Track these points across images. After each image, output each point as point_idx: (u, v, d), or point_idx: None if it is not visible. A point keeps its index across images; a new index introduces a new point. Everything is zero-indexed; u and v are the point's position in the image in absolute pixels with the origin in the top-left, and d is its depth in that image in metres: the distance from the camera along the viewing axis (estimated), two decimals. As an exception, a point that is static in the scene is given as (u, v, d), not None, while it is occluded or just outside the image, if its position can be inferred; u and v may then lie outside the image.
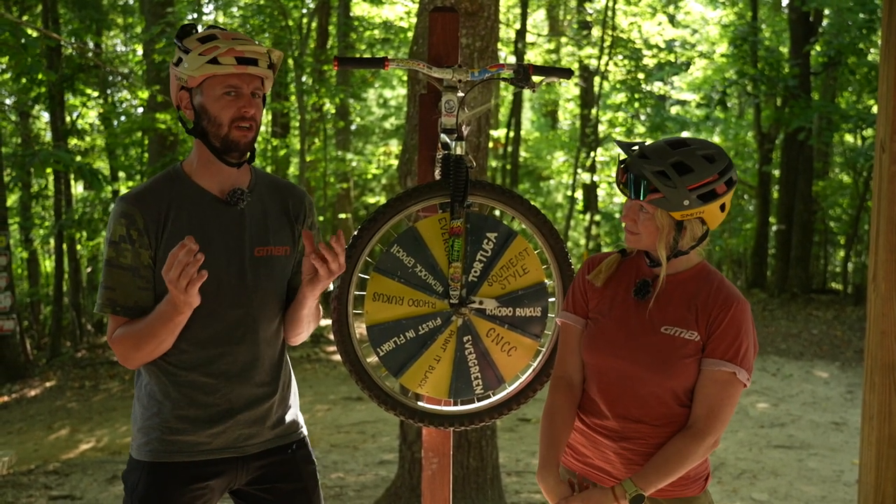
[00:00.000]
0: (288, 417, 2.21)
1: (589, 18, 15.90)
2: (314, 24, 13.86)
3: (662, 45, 15.09)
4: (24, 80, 10.45)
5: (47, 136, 15.38)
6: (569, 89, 18.18)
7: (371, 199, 17.73)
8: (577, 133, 17.32)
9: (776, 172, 16.84)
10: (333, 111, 14.44)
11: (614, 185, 18.39)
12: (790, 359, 10.84)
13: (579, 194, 17.63)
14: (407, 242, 2.32)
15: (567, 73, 2.33)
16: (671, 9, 17.28)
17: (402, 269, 2.31)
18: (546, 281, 2.38)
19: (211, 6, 14.82)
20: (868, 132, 14.98)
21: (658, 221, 1.96)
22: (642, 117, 17.29)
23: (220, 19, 14.10)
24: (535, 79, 2.25)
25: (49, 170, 10.56)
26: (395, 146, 17.45)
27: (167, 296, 1.90)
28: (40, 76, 9.09)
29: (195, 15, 13.62)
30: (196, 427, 2.07)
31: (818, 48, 14.42)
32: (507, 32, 14.63)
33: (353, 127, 17.20)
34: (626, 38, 14.58)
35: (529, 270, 2.35)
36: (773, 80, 14.85)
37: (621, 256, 2.15)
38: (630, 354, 2.02)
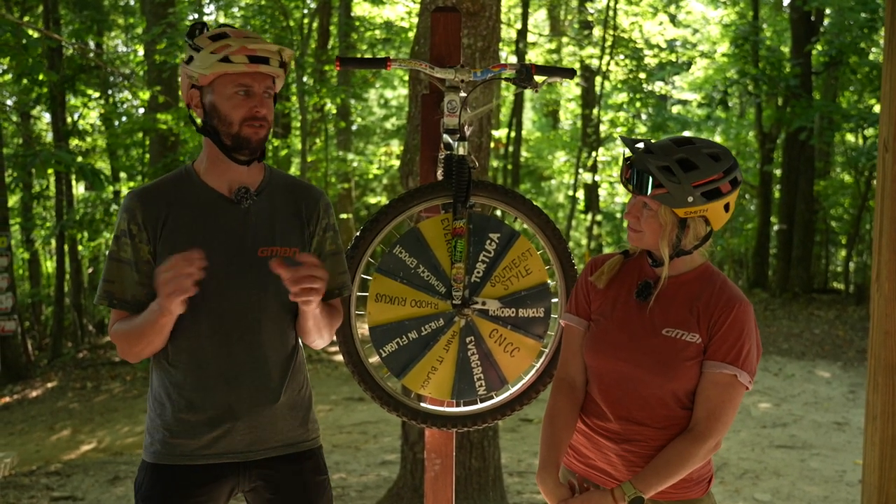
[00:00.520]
0: (297, 425, 2.13)
1: (590, 18, 15.90)
2: (315, 25, 13.85)
3: (664, 45, 15.09)
4: (25, 81, 10.47)
5: (48, 137, 15.40)
6: (570, 89, 18.17)
7: (372, 200, 17.73)
8: (579, 133, 17.32)
9: (777, 172, 16.83)
10: (334, 111, 14.43)
11: (616, 185, 18.49)
12: (792, 359, 10.84)
13: (581, 194, 17.63)
14: (409, 243, 2.31)
15: (570, 73, 2.32)
16: (672, 8, 17.29)
17: (404, 270, 2.31)
18: (549, 281, 2.37)
19: (212, 6, 14.82)
20: (869, 132, 14.96)
21: (661, 218, 1.95)
22: (643, 117, 17.30)
23: (221, 19, 14.11)
24: (538, 79, 2.25)
25: (50, 170, 10.57)
26: (396, 146, 17.45)
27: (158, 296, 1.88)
28: (41, 77, 9.09)
29: (196, 15, 13.62)
30: (196, 430, 2.03)
31: (819, 48, 14.41)
32: (508, 32, 14.62)
33: (354, 127, 17.20)
34: (627, 38, 14.58)
35: (532, 271, 2.35)
36: (775, 80, 14.84)
37: (624, 258, 2.14)
38: (631, 356, 2.01)
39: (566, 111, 20.47)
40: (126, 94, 14.70)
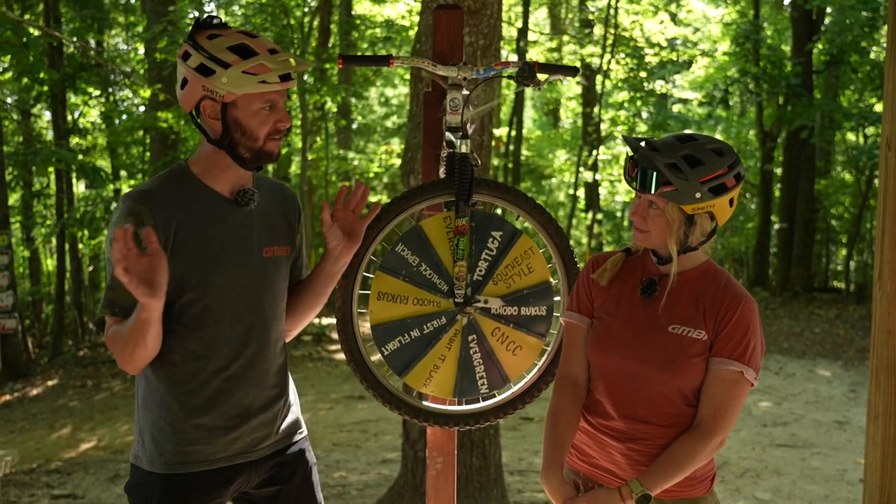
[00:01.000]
0: (291, 417, 2.20)
1: (591, 17, 15.90)
2: (316, 23, 13.83)
3: (664, 44, 15.06)
4: (25, 79, 10.44)
5: (49, 135, 15.40)
6: (570, 88, 18.16)
7: (373, 198, 17.71)
8: (579, 131, 17.32)
9: (778, 171, 16.82)
10: (335, 110, 14.42)
11: (616, 184, 18.44)
12: (793, 357, 10.83)
13: (581, 193, 17.63)
14: (412, 241, 2.31)
15: (573, 71, 2.32)
16: (673, 7, 17.27)
17: (406, 268, 2.30)
18: (551, 280, 2.37)
19: (212, 4, 14.80)
20: (870, 131, 14.96)
21: (669, 216, 1.95)
22: (644, 115, 17.29)
23: (222, 18, 14.07)
24: (540, 77, 2.24)
25: (51, 168, 10.54)
26: (396, 145, 17.44)
27: None
28: (42, 75, 9.07)
29: (196, 13, 13.60)
30: (213, 435, 2.02)
31: (820, 46, 14.40)
32: (508, 31, 14.60)
33: (354, 125, 17.20)
34: (628, 37, 14.56)
35: (534, 269, 2.34)
36: (776, 79, 14.83)
37: (626, 255, 2.14)
38: (637, 354, 2.01)
39: (567, 110, 20.46)
40: (126, 92, 14.70)
